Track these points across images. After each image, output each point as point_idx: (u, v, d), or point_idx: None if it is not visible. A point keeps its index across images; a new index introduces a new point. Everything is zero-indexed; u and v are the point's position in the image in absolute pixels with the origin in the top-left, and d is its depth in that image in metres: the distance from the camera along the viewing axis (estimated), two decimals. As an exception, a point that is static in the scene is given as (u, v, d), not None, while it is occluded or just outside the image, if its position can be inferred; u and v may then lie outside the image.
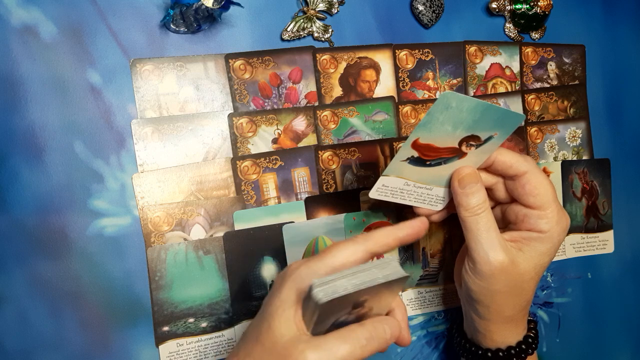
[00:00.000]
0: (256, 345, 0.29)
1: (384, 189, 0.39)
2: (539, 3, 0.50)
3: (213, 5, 0.37)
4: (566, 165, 0.52)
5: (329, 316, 0.30)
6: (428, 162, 0.37)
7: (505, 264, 0.36)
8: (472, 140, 0.36)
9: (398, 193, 0.39)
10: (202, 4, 0.37)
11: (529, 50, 0.52)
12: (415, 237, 0.35)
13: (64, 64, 0.39)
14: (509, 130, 0.36)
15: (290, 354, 0.28)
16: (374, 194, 0.39)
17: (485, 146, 0.36)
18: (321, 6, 0.45)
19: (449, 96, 0.32)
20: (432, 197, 0.40)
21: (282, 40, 0.44)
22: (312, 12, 0.44)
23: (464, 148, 0.36)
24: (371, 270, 0.30)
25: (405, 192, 0.39)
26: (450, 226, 0.49)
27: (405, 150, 0.36)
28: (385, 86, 0.47)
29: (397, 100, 0.47)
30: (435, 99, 0.48)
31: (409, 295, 0.48)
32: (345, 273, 0.30)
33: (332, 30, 0.45)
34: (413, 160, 0.37)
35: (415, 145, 0.35)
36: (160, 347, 0.41)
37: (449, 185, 0.39)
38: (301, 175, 0.45)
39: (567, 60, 0.53)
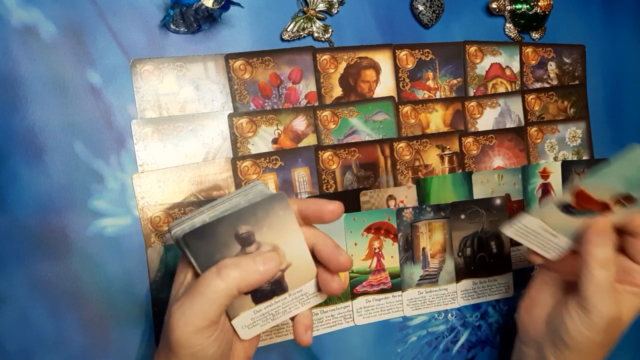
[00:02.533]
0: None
1: (521, 228, 0.39)
2: (539, 3, 0.50)
3: (213, 5, 0.37)
4: (566, 166, 0.52)
5: (211, 261, 0.29)
6: (574, 211, 0.37)
7: (617, 319, 0.36)
8: (628, 200, 0.36)
9: (530, 235, 0.39)
10: (202, 4, 0.37)
11: (529, 50, 0.52)
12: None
13: (64, 64, 0.39)
14: None
15: (168, 312, 0.29)
16: (509, 230, 0.39)
17: (634, 207, 0.36)
18: (321, 6, 0.45)
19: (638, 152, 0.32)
20: (552, 245, 0.39)
21: (282, 40, 0.44)
22: (312, 12, 0.44)
23: (614, 206, 0.36)
24: (232, 200, 0.29)
25: (534, 234, 0.39)
26: (450, 227, 0.49)
27: (564, 194, 0.37)
28: (385, 86, 0.47)
29: (397, 101, 0.47)
30: (433, 99, 0.48)
31: (409, 295, 0.48)
32: (203, 209, 0.29)
33: (332, 30, 0.45)
34: (562, 206, 0.37)
35: (578, 193, 0.36)
36: (160, 347, 0.41)
37: (572, 237, 0.38)
38: (301, 176, 0.45)
39: (567, 60, 0.53)
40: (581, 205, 0.36)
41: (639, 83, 0.56)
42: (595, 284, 0.36)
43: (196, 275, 0.31)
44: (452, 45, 0.49)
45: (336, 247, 0.32)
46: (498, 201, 0.49)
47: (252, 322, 0.32)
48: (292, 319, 0.34)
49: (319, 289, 0.33)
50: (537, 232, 0.39)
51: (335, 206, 0.31)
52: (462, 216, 0.49)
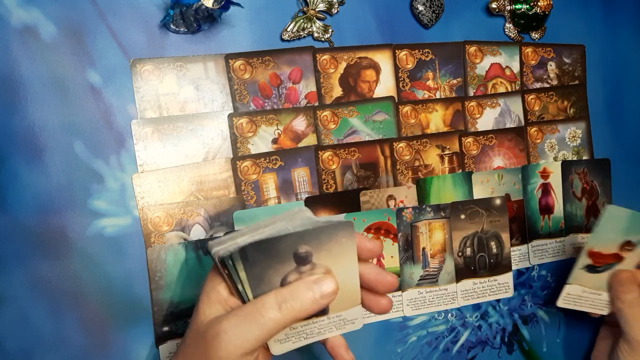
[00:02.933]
0: (190, 331, 0.31)
1: (568, 298, 0.47)
2: (539, 3, 0.50)
3: (213, 5, 0.37)
4: (566, 166, 0.52)
5: (264, 275, 0.29)
6: (598, 269, 0.45)
7: None
8: (629, 245, 0.43)
9: (579, 300, 0.47)
10: (202, 4, 0.37)
11: (529, 50, 0.52)
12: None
13: (64, 64, 0.39)
14: None
15: (209, 327, 0.29)
16: (561, 302, 0.47)
17: (638, 248, 0.43)
18: (321, 6, 0.45)
19: (612, 209, 0.41)
20: (602, 302, 0.47)
21: (282, 40, 0.44)
22: (312, 12, 0.44)
23: (623, 253, 0.44)
24: (277, 224, 0.29)
25: (583, 299, 0.47)
26: (450, 227, 0.49)
27: (582, 258, 0.44)
28: (385, 86, 0.47)
29: (397, 100, 0.47)
30: (433, 99, 0.48)
31: (409, 296, 0.48)
32: (245, 230, 0.29)
33: (332, 30, 0.45)
34: (587, 268, 0.45)
35: (590, 253, 0.44)
36: (161, 347, 0.41)
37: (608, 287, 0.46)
38: (301, 176, 0.45)
39: (567, 60, 0.53)
40: (598, 262, 0.45)
41: (639, 83, 0.56)
42: (627, 321, 0.45)
43: (234, 291, 0.30)
44: (452, 45, 0.49)
45: (380, 269, 0.33)
46: (498, 201, 0.49)
47: (286, 338, 0.32)
48: (322, 341, 0.34)
49: (358, 316, 0.33)
50: (583, 296, 0.47)
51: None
52: (462, 216, 0.49)
